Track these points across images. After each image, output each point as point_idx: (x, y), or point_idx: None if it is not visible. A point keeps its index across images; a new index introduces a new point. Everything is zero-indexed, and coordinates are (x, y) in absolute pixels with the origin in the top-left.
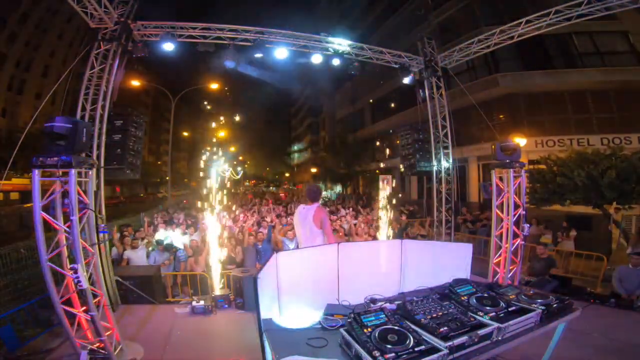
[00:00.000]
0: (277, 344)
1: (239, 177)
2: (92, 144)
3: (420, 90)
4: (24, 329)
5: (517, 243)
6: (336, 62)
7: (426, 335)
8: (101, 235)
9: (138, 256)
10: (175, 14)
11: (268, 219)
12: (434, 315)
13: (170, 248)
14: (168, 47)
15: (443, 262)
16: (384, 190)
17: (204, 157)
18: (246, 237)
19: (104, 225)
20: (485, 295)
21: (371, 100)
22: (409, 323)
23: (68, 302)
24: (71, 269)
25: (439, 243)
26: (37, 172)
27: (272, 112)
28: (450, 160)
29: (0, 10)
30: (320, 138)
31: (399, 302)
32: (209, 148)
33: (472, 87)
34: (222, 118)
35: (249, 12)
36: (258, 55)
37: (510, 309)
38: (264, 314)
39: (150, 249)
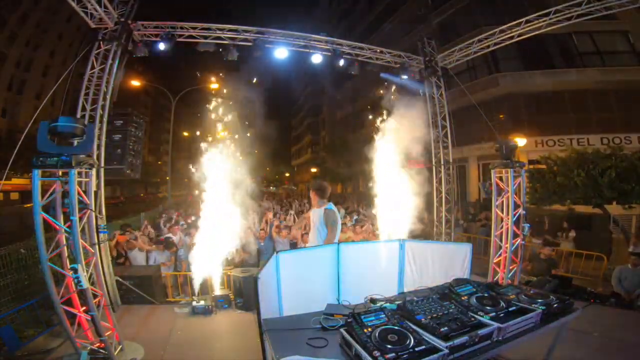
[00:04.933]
0: (277, 344)
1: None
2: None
3: (420, 90)
4: (24, 329)
5: (517, 243)
6: (336, 62)
7: (426, 335)
8: (101, 235)
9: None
10: (175, 14)
11: (270, 216)
12: (434, 315)
13: (171, 246)
14: (168, 47)
15: (443, 262)
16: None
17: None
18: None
19: (104, 225)
20: (486, 295)
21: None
22: (409, 323)
23: (68, 302)
24: (71, 269)
25: (439, 243)
26: (37, 172)
27: (272, 111)
28: (450, 160)
29: (0, 10)
30: (321, 138)
31: (399, 302)
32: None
33: (472, 87)
34: (221, 116)
35: (249, 11)
36: (258, 55)
37: (510, 309)
38: (264, 314)
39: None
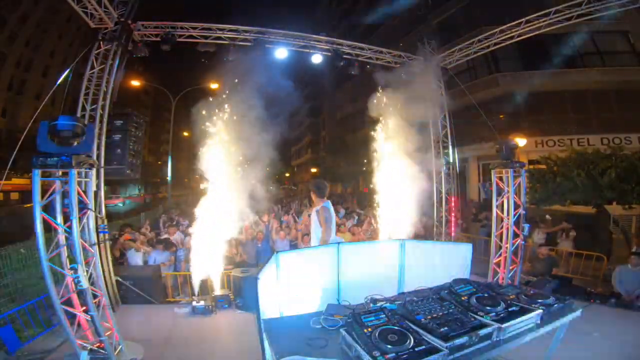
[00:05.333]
0: (277, 344)
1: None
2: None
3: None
4: (24, 329)
5: (517, 243)
6: (336, 62)
7: (426, 336)
8: (101, 235)
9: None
10: (176, 14)
11: (265, 219)
12: (434, 315)
13: (170, 246)
14: (168, 47)
15: (443, 262)
16: None
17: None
18: (244, 234)
19: (104, 225)
20: (486, 295)
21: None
22: (409, 323)
23: (68, 302)
24: (71, 269)
25: (439, 243)
26: (37, 172)
27: (271, 111)
28: (451, 160)
29: (0, 10)
30: (321, 138)
31: (399, 302)
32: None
33: (472, 87)
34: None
35: (249, 11)
36: (258, 55)
37: (510, 309)
38: (264, 314)
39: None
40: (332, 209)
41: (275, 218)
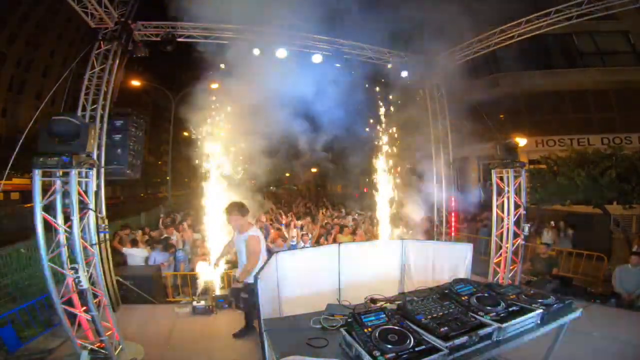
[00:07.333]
0: (277, 344)
1: (239, 176)
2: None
3: (421, 90)
4: (24, 329)
5: (517, 243)
6: (336, 62)
7: (426, 335)
8: (101, 235)
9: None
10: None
11: (263, 219)
12: (435, 315)
13: (170, 247)
14: (168, 47)
15: (443, 262)
16: None
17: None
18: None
19: (104, 225)
20: (486, 295)
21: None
22: (409, 323)
23: (68, 302)
24: (71, 269)
25: (440, 243)
26: (37, 172)
27: (272, 110)
28: (451, 160)
29: (0, 10)
30: None
31: (400, 302)
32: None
33: (472, 87)
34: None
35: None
36: (258, 55)
37: (510, 309)
38: (264, 314)
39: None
40: (261, 237)
41: (272, 227)
